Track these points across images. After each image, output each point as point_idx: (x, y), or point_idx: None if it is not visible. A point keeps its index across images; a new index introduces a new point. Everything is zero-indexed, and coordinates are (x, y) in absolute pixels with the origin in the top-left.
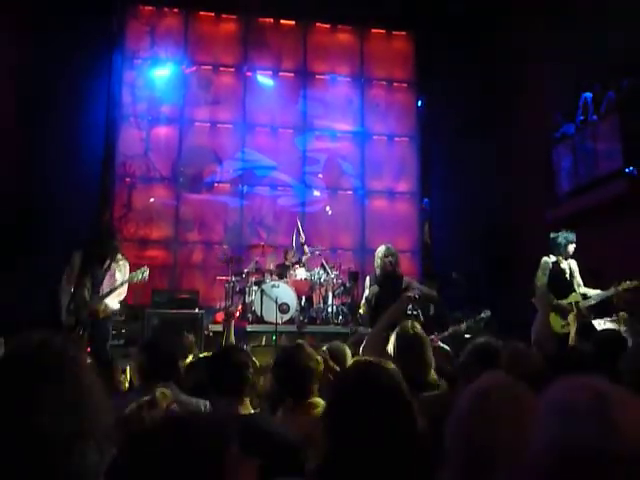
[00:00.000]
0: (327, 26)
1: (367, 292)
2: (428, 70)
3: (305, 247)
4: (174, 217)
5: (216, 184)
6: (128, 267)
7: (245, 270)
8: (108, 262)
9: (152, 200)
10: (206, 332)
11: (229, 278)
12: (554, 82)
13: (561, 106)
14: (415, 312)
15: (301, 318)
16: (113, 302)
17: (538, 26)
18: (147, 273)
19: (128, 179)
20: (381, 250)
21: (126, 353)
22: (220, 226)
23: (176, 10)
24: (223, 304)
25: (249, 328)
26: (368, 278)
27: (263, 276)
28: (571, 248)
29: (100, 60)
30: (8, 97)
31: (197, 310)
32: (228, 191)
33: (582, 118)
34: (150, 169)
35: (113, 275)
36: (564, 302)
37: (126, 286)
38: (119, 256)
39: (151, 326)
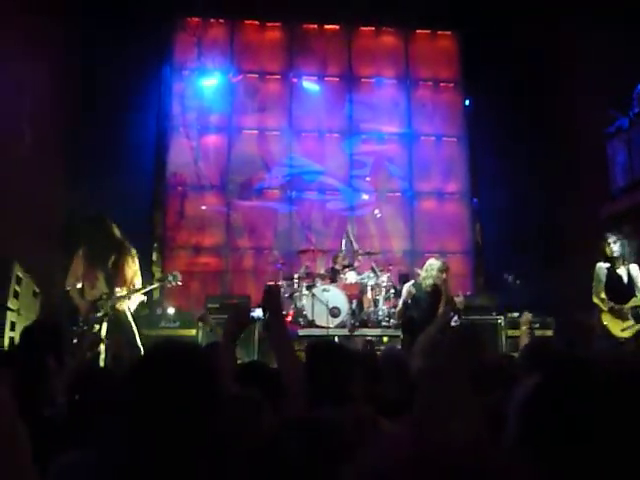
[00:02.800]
0: (371, 29)
1: (405, 295)
2: (474, 69)
3: (355, 250)
4: (225, 224)
5: (265, 190)
6: (137, 261)
7: (295, 275)
8: (114, 256)
9: (203, 208)
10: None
11: (280, 283)
12: (606, 75)
13: (614, 100)
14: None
15: (352, 322)
16: (133, 303)
17: (588, 19)
18: (179, 277)
19: (180, 188)
20: (437, 264)
21: None
22: (270, 232)
23: (222, 20)
24: None
25: (301, 332)
26: (410, 283)
27: (313, 280)
28: (622, 250)
29: (150, 73)
30: (59, 112)
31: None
32: (277, 197)
33: (637, 111)
34: (200, 177)
35: (123, 268)
36: (624, 306)
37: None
38: (128, 250)
39: (204, 332)
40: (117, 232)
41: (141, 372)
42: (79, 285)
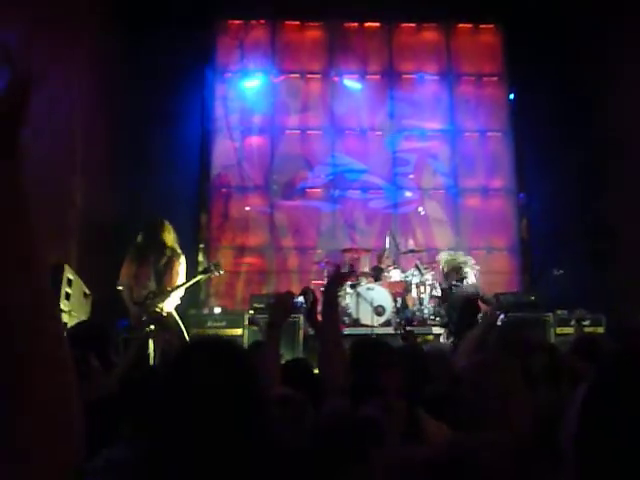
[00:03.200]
0: (412, 25)
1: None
2: (518, 62)
3: (399, 248)
4: (269, 224)
5: (308, 190)
6: (184, 265)
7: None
8: (166, 257)
9: (248, 209)
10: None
11: (324, 282)
12: None
13: None
14: None
15: (398, 320)
16: (175, 300)
17: (636, 9)
18: (221, 266)
19: (224, 189)
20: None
21: None
22: (313, 231)
23: (263, 21)
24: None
25: (346, 331)
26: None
27: (357, 279)
28: None
29: (193, 76)
30: (104, 115)
31: (294, 315)
32: (320, 196)
33: None
34: (244, 179)
35: (172, 269)
36: None
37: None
38: (177, 251)
39: (250, 331)
40: (174, 237)
41: (177, 370)
42: (128, 285)
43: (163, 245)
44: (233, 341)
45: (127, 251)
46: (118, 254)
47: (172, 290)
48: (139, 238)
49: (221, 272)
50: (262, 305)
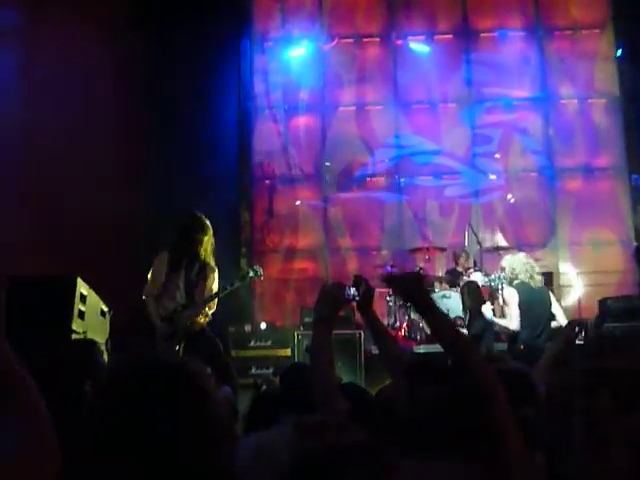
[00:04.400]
0: None
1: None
2: (626, 8)
3: (481, 246)
4: (322, 221)
5: (368, 178)
6: (217, 275)
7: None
8: (199, 264)
9: (297, 203)
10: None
11: (389, 289)
12: None
13: None
14: None
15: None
16: (208, 312)
17: None
18: (261, 271)
19: (267, 181)
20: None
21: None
22: (376, 228)
23: None
24: (385, 321)
25: (417, 349)
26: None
27: (431, 285)
28: None
29: (227, 48)
30: (130, 98)
31: (354, 330)
32: (383, 185)
33: None
34: (291, 167)
35: (205, 280)
36: None
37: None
38: (211, 259)
39: (300, 351)
40: (211, 241)
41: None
42: (155, 296)
43: (197, 249)
44: (181, 365)
45: (156, 255)
46: (144, 261)
47: (205, 301)
48: (177, 237)
49: (261, 276)
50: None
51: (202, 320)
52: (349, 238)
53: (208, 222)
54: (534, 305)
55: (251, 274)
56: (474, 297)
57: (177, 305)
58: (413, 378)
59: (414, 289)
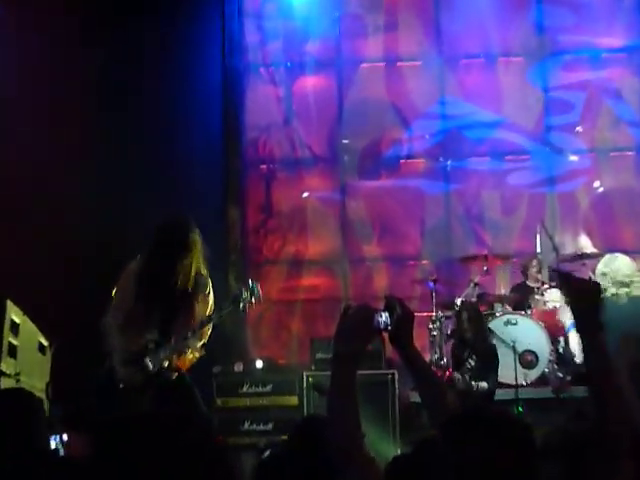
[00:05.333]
0: None
1: None
2: None
3: (559, 253)
4: (339, 220)
5: (403, 161)
6: (211, 296)
7: (459, 299)
8: (182, 285)
9: (305, 196)
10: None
11: (432, 314)
12: None
13: None
14: None
15: (560, 374)
16: (196, 346)
17: None
18: (258, 289)
19: (264, 165)
20: None
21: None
22: (413, 228)
23: None
24: (428, 358)
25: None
26: None
27: (490, 307)
28: None
29: None
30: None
31: (386, 370)
32: (422, 170)
33: None
34: (296, 146)
35: (188, 308)
36: None
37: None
38: (203, 272)
39: (312, 399)
40: (201, 250)
41: None
42: (118, 328)
43: (175, 274)
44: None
45: (120, 274)
46: (96, 279)
47: (187, 336)
48: (151, 247)
49: (259, 298)
50: (329, 355)
51: (186, 361)
52: (377, 243)
53: (193, 232)
54: None
55: (245, 296)
56: (476, 324)
57: (147, 341)
58: (464, 433)
59: (591, 303)
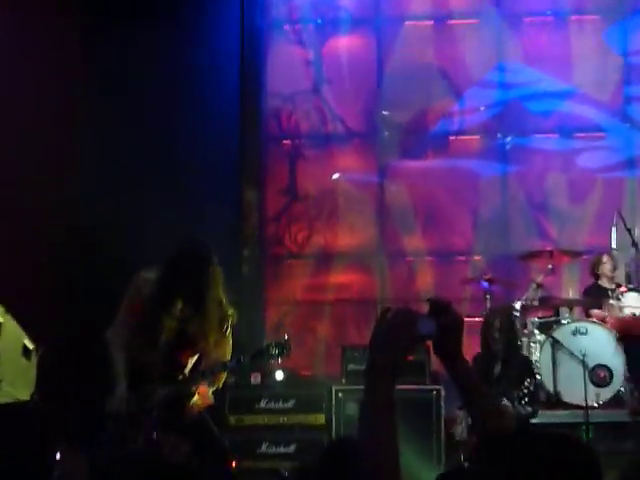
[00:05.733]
0: None
1: None
2: None
3: (638, 248)
4: (377, 207)
5: (453, 137)
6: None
7: (518, 302)
8: (197, 324)
9: (335, 177)
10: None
11: (489, 317)
12: None
13: None
14: None
15: (636, 393)
16: (208, 393)
17: None
18: (288, 344)
19: (287, 141)
20: None
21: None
22: (464, 218)
23: None
24: None
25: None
26: None
27: (556, 313)
28: None
29: None
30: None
31: (429, 384)
32: (476, 149)
33: None
34: (326, 118)
35: (204, 350)
36: None
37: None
38: (225, 309)
39: (342, 418)
40: (221, 281)
41: None
42: (124, 337)
43: (203, 301)
44: None
45: (130, 284)
46: (89, 277)
47: (196, 377)
48: (157, 271)
49: (287, 356)
50: (362, 367)
51: (192, 406)
52: (420, 235)
53: (214, 265)
54: None
55: (273, 352)
56: (507, 334)
57: (151, 371)
58: (518, 459)
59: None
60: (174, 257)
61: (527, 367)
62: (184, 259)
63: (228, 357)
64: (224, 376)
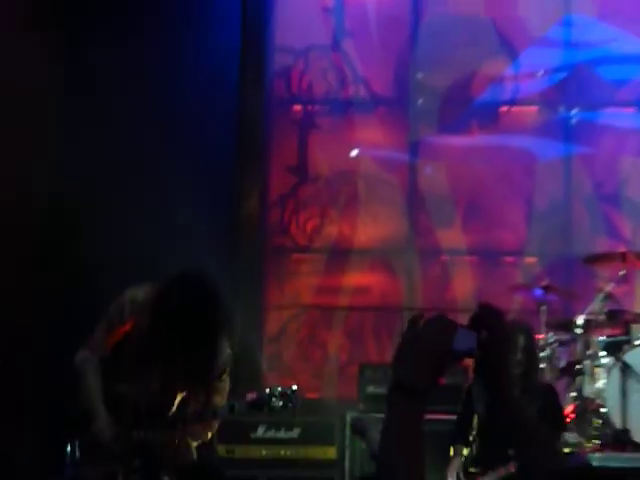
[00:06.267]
0: None
1: None
2: None
3: None
4: (407, 192)
5: (504, 108)
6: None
7: (581, 317)
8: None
9: (356, 154)
10: None
11: (541, 336)
12: None
13: None
14: None
15: None
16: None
17: None
18: (298, 397)
19: (298, 106)
20: None
21: None
22: (517, 210)
23: None
24: None
25: (596, 460)
26: None
27: (626, 330)
28: None
29: None
30: None
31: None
32: (533, 124)
33: None
34: (347, 80)
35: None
36: None
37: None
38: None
39: (357, 452)
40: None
41: None
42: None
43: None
44: None
45: (115, 300)
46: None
47: (185, 421)
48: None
49: (293, 410)
50: (384, 390)
51: (207, 432)
52: (460, 229)
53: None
54: None
55: (274, 405)
56: (531, 356)
57: (153, 393)
58: None
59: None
60: (171, 296)
61: (553, 401)
62: (185, 302)
63: (222, 402)
64: (215, 425)
